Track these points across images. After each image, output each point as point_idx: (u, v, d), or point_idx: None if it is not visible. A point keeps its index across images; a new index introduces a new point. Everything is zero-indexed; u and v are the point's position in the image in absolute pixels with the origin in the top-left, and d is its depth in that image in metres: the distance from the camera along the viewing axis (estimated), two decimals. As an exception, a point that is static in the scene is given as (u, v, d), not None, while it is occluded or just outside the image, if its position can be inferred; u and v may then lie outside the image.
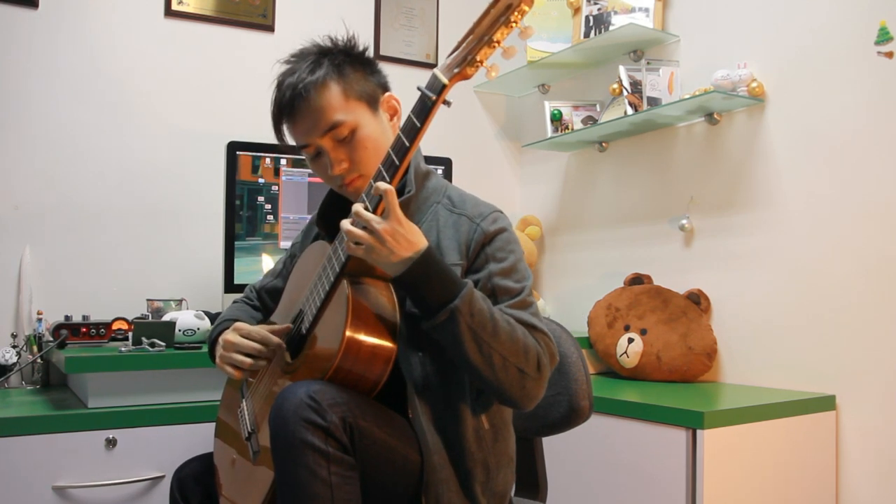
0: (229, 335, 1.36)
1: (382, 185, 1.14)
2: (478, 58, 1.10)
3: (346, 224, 1.16)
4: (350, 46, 1.35)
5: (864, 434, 1.94)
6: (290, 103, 1.29)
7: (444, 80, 1.12)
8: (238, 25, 2.55)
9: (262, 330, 1.34)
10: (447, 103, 1.14)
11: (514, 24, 1.08)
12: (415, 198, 1.30)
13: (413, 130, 1.14)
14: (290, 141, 1.36)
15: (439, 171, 1.41)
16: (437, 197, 1.33)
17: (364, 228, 1.14)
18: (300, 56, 1.34)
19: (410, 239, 1.14)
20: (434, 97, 1.12)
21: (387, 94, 1.36)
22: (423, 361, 1.25)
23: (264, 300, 1.60)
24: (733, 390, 2.12)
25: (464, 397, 1.26)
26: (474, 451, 1.24)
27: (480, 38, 1.09)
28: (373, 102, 1.33)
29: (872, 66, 1.94)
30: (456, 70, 1.11)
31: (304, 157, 1.39)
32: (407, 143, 1.15)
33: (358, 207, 1.15)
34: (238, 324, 1.38)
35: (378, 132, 1.32)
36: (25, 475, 1.63)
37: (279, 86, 1.32)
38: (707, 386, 2.19)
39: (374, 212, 1.16)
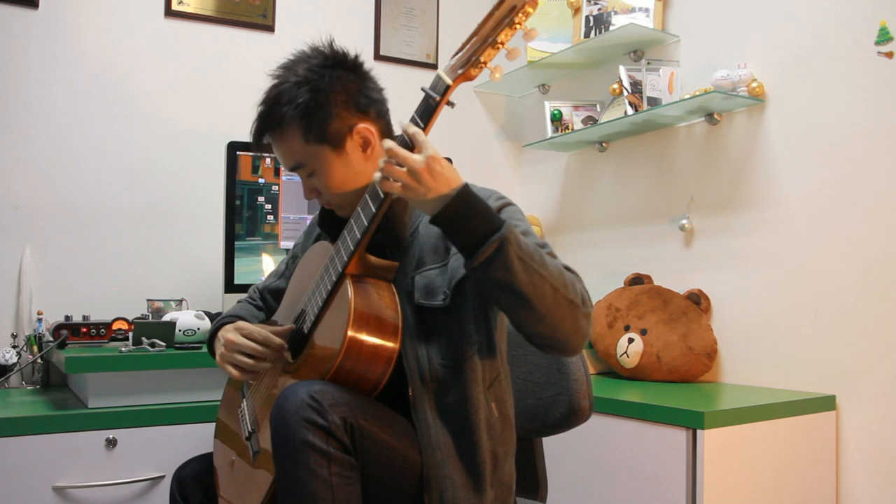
0: (231, 335, 1.35)
1: (411, 127, 1.12)
2: (482, 59, 1.10)
3: (381, 162, 1.13)
4: (336, 62, 1.31)
5: (864, 434, 1.94)
6: (257, 138, 1.34)
7: (448, 81, 1.12)
8: (238, 25, 2.54)
9: (263, 331, 1.34)
10: (451, 104, 1.14)
11: (518, 26, 1.08)
12: None
13: (417, 131, 1.14)
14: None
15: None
16: None
17: (400, 166, 1.10)
18: (278, 80, 1.32)
19: (448, 175, 1.11)
20: (438, 98, 1.12)
21: (360, 125, 1.31)
22: (430, 353, 1.25)
23: (267, 300, 1.60)
24: (733, 390, 2.12)
25: (476, 385, 1.25)
26: (485, 440, 1.24)
27: (484, 39, 1.09)
28: (337, 142, 1.29)
29: (872, 66, 1.94)
30: (460, 71, 1.11)
31: None
32: (411, 144, 1.15)
33: (391, 144, 1.11)
34: (240, 323, 1.38)
35: (342, 171, 1.30)
36: (25, 475, 1.63)
37: (262, 102, 1.33)
38: (707, 386, 2.19)
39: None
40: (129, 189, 2.36)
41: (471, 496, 1.22)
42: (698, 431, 1.73)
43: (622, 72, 2.42)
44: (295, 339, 1.35)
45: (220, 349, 1.39)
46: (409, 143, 1.12)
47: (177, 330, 1.89)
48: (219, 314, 1.94)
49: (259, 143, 1.35)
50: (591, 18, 2.56)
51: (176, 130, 2.44)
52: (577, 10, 2.62)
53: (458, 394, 1.24)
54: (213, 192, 2.37)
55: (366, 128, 1.31)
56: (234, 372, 1.35)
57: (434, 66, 2.87)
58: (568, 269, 1.19)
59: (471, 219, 1.10)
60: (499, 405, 1.29)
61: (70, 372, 1.73)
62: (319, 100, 1.28)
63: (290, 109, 1.27)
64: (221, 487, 1.40)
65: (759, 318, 2.18)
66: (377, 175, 1.14)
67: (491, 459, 1.25)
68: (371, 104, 1.33)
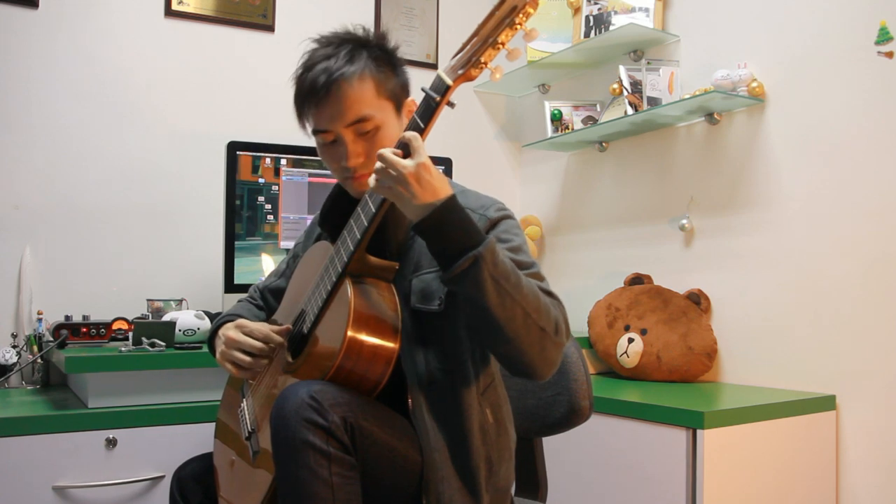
0: (231, 332, 1.36)
1: (408, 133, 1.13)
2: (482, 59, 1.10)
3: (376, 165, 1.14)
4: (383, 43, 1.34)
5: (864, 434, 1.94)
6: (323, 87, 1.26)
7: (449, 82, 1.12)
8: (238, 25, 2.54)
9: (264, 328, 1.34)
10: (451, 105, 1.14)
11: (518, 27, 1.08)
12: None
13: (417, 131, 1.14)
14: (310, 123, 1.33)
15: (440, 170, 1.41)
16: None
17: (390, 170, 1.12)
18: (336, 41, 1.31)
19: (436, 185, 1.11)
20: (438, 98, 1.12)
21: (409, 98, 1.35)
22: (427, 357, 1.25)
23: (268, 300, 1.60)
24: (733, 390, 2.12)
25: (469, 391, 1.25)
26: (479, 446, 1.24)
27: (485, 39, 1.09)
28: (399, 104, 1.33)
29: (872, 66, 1.94)
30: (460, 72, 1.11)
31: (314, 145, 1.35)
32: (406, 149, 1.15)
33: (384, 151, 1.12)
34: (241, 320, 1.38)
35: (397, 135, 1.29)
36: (25, 475, 1.63)
37: (310, 67, 1.29)
38: (707, 386, 2.19)
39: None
40: (129, 189, 2.36)
41: (467, 499, 1.22)
42: (698, 431, 1.73)
43: (622, 72, 2.42)
44: (295, 338, 1.35)
45: (220, 347, 1.39)
46: (405, 148, 1.13)
47: (177, 330, 1.89)
48: (219, 314, 1.94)
49: (305, 102, 1.29)
50: (591, 18, 2.56)
51: (176, 130, 2.44)
52: (577, 10, 2.62)
53: (452, 399, 1.24)
54: (213, 192, 2.37)
55: (413, 101, 1.34)
56: (234, 369, 1.35)
57: (434, 66, 2.87)
58: (550, 293, 1.19)
59: (450, 231, 1.10)
60: (493, 411, 1.29)
61: (70, 372, 1.73)
62: (390, 60, 1.31)
63: (369, 62, 1.28)
64: (222, 487, 1.40)
65: (759, 318, 2.18)
66: (371, 178, 1.14)
67: (485, 465, 1.25)
68: (409, 86, 1.36)
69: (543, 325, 1.14)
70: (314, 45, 1.32)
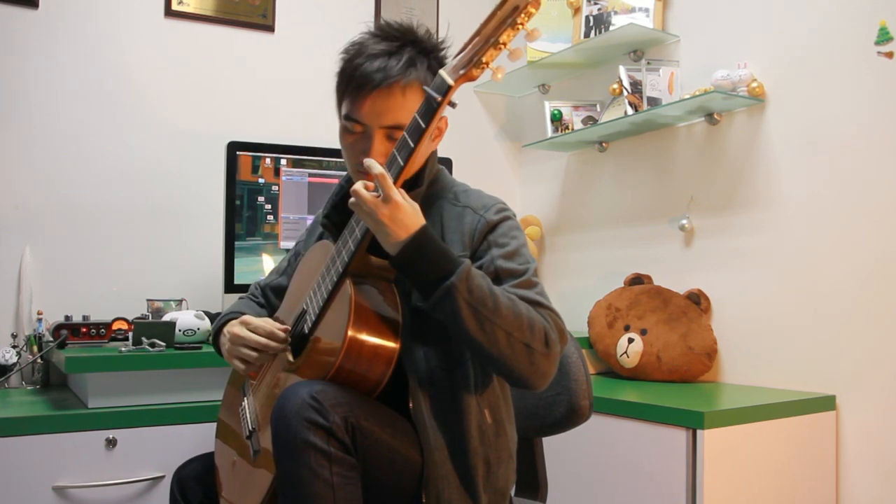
0: (236, 328, 1.36)
1: (375, 167, 1.14)
2: (484, 59, 1.10)
3: (351, 199, 1.16)
4: (439, 52, 1.31)
5: (864, 434, 1.94)
6: (376, 85, 1.24)
7: (450, 82, 1.11)
8: (238, 25, 2.54)
9: (268, 324, 1.34)
10: (453, 105, 1.14)
11: (520, 27, 1.08)
12: (422, 194, 1.30)
13: (417, 131, 1.14)
14: (345, 107, 1.30)
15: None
16: (444, 193, 1.34)
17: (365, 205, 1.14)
18: (398, 39, 1.28)
19: (407, 222, 1.14)
20: (439, 98, 1.12)
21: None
22: (427, 356, 1.25)
23: (269, 298, 1.60)
24: (733, 390, 2.12)
25: (468, 391, 1.25)
26: (476, 446, 1.24)
27: (487, 39, 1.09)
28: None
29: (872, 66, 1.94)
30: (462, 71, 1.11)
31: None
32: (411, 144, 1.15)
33: (358, 187, 1.15)
34: (245, 317, 1.38)
35: (424, 146, 1.25)
36: (25, 475, 1.63)
37: (368, 57, 1.26)
38: (707, 386, 2.19)
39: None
40: (129, 189, 2.36)
41: (465, 499, 1.22)
42: (698, 431, 1.73)
43: (622, 72, 2.42)
44: (296, 338, 1.35)
45: (226, 344, 1.39)
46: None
47: (177, 330, 1.89)
48: (218, 314, 1.94)
49: (347, 87, 1.27)
50: (591, 18, 2.56)
51: (176, 130, 2.44)
52: (577, 10, 2.62)
53: (451, 398, 1.25)
54: (213, 192, 2.37)
55: (444, 118, 1.31)
56: (241, 366, 1.36)
57: (434, 66, 2.87)
58: (539, 304, 1.20)
59: (423, 264, 1.14)
60: (492, 411, 1.29)
61: (70, 372, 1.73)
62: (431, 76, 1.26)
63: (424, 73, 1.26)
64: (224, 487, 1.40)
65: (759, 318, 2.18)
66: (351, 200, 1.17)
67: (483, 466, 1.25)
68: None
69: (529, 342, 1.16)
70: (372, 35, 1.30)
